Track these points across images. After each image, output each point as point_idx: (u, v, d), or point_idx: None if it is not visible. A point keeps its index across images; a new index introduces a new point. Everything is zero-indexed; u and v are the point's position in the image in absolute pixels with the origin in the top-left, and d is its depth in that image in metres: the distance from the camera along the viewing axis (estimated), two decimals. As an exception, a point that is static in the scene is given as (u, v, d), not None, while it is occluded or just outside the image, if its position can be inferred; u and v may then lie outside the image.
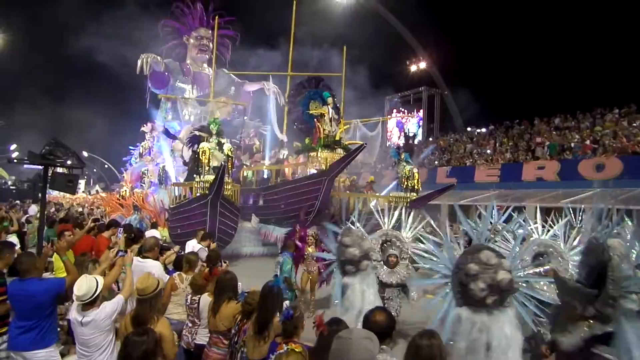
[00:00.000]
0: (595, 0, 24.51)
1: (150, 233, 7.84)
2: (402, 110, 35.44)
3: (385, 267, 5.66)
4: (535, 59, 28.80)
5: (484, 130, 24.68)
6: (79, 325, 3.16)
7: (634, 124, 16.53)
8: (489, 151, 21.13)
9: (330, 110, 12.44)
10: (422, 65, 34.47)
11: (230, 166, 11.82)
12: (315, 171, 12.20)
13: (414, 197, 11.89)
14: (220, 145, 12.01)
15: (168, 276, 4.82)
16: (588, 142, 16.97)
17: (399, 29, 33.31)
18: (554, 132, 19.24)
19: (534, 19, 28.61)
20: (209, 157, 11.79)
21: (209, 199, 11.13)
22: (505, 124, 22.61)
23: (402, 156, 12.22)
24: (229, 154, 11.85)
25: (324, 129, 11.95)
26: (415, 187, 12.08)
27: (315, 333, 2.63)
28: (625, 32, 23.94)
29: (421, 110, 34.09)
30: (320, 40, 23.75)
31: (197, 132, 12.70)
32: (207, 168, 11.75)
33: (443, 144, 25.70)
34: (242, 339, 3.23)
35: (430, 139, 29.87)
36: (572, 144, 17.38)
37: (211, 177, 11.35)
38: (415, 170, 12.37)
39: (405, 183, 11.91)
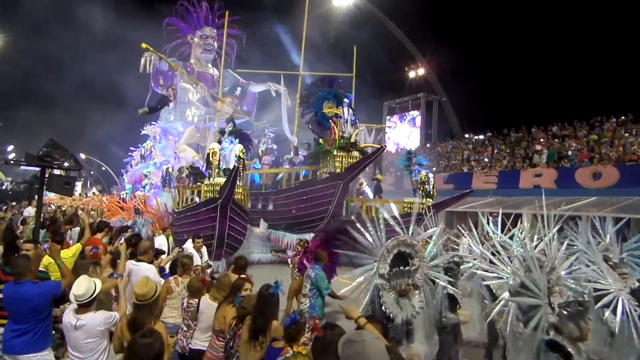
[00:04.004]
0: (594, 9, 25.00)
1: (158, 240, 7.92)
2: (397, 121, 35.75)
3: None
4: (534, 67, 29.18)
5: (481, 137, 24.88)
6: (73, 329, 3.13)
7: (631, 133, 16.84)
8: (486, 158, 21.33)
9: (346, 110, 11.98)
10: (421, 71, 34.74)
11: (242, 168, 11.24)
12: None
13: (430, 203, 11.47)
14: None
15: (162, 280, 4.84)
16: (585, 150, 17.31)
17: (398, 35, 33.52)
18: (552, 140, 19.56)
19: (532, 27, 29.05)
20: (219, 158, 11.42)
21: (219, 203, 10.71)
22: (503, 131, 22.88)
23: (413, 161, 12.02)
24: (241, 155, 11.23)
25: (339, 130, 11.50)
26: (431, 192, 11.76)
27: (310, 336, 2.66)
28: (623, 41, 24.47)
29: (419, 117, 34.31)
30: (322, 44, 23.79)
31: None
32: (216, 170, 11.32)
33: (441, 150, 25.89)
34: (237, 344, 3.19)
35: (428, 144, 30.08)
36: (570, 152, 17.67)
37: (221, 180, 10.93)
38: (430, 175, 12.08)
39: (421, 188, 11.63)
